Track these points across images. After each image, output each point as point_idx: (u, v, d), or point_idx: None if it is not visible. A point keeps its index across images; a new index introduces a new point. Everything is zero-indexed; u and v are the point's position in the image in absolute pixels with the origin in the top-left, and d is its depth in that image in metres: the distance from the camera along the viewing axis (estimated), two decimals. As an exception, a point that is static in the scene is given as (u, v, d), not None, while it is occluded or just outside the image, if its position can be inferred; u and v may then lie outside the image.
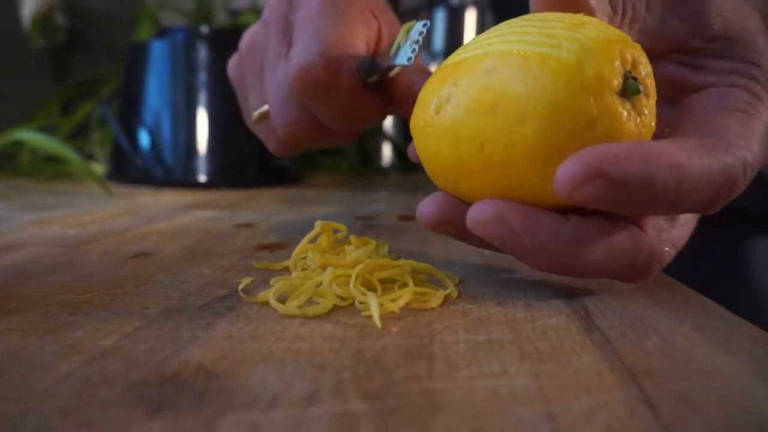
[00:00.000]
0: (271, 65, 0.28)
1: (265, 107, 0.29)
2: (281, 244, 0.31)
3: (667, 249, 0.20)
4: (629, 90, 0.17)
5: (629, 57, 0.18)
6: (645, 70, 0.18)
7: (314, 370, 0.15)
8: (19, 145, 0.65)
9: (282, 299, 0.20)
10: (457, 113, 0.19)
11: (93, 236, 0.32)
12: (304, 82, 0.25)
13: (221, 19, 0.87)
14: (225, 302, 0.21)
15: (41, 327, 0.18)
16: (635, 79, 0.18)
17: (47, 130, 0.68)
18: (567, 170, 0.16)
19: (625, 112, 0.17)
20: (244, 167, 0.59)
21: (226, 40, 0.61)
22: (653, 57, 0.20)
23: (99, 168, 0.66)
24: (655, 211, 0.18)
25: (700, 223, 0.56)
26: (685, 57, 0.21)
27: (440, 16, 0.82)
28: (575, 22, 0.18)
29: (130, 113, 0.60)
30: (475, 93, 0.18)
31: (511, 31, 0.18)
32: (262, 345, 0.17)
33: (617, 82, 0.17)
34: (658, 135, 0.19)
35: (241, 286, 0.22)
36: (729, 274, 0.52)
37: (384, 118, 0.28)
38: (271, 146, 0.31)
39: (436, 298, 0.20)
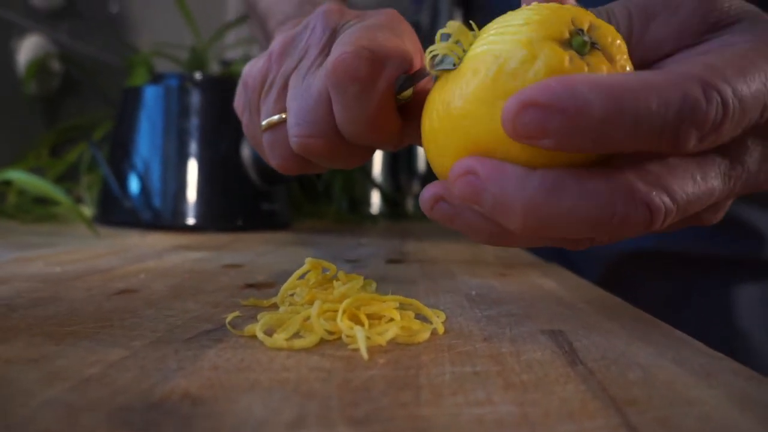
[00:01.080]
0: (302, 71, 0.26)
1: (277, 117, 0.27)
2: (268, 284, 0.31)
3: (655, 192, 0.17)
4: (575, 43, 0.18)
5: (586, 21, 0.19)
6: (605, 36, 0.19)
7: (300, 398, 0.15)
8: (6, 186, 0.65)
9: (269, 333, 0.20)
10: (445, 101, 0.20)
11: (78, 273, 0.32)
12: (343, 71, 0.23)
13: (214, 68, 0.89)
14: (212, 335, 0.21)
15: (24, 356, 0.17)
16: (586, 35, 0.18)
17: (36, 172, 0.68)
18: (506, 106, 0.16)
19: (567, 59, 0.18)
20: (233, 211, 0.60)
21: (218, 87, 0.62)
22: (657, 60, 0.20)
23: (87, 210, 0.66)
24: (614, 145, 0.16)
25: (685, 270, 0.56)
26: (688, 47, 0.20)
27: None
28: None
29: (120, 156, 0.61)
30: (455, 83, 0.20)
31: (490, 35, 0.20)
32: (248, 375, 0.17)
33: (564, 34, 0.18)
34: None
35: (228, 319, 0.22)
36: (714, 322, 0.52)
37: (401, 141, 0.27)
38: (276, 160, 0.29)
39: (422, 333, 0.21)
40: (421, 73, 0.25)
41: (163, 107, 0.60)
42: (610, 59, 0.19)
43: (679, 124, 0.16)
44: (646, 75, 0.16)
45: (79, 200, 0.69)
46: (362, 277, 0.25)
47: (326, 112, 0.25)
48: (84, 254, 0.39)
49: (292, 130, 0.26)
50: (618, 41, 0.19)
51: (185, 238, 0.52)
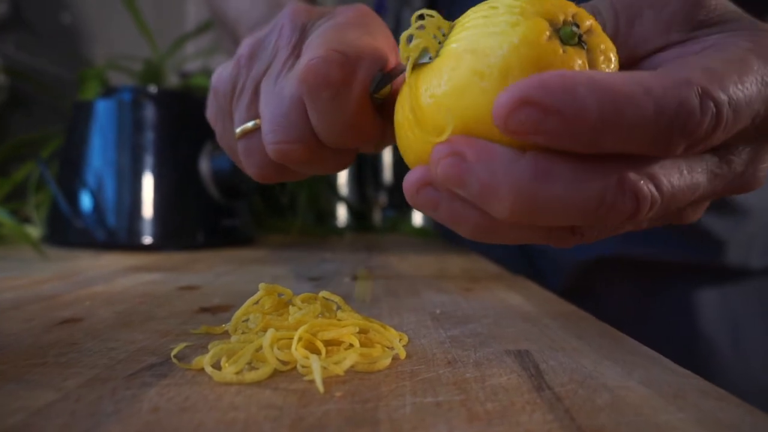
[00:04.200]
0: (273, 75, 0.25)
1: (251, 123, 0.26)
2: (224, 307, 0.30)
3: (643, 182, 0.17)
4: (564, 32, 0.18)
5: (586, 21, 0.18)
6: (597, 43, 0.18)
7: (247, 443, 0.14)
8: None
9: (217, 365, 0.19)
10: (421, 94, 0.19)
11: (18, 302, 0.30)
12: (314, 77, 0.22)
13: (172, 80, 0.87)
14: (156, 370, 0.19)
15: (-60, 405, 0.16)
16: (575, 26, 0.18)
17: (-18, 191, 0.65)
18: (498, 100, 0.15)
19: (546, 35, 0.17)
20: (192, 228, 0.58)
21: (174, 100, 0.60)
22: (645, 56, 0.20)
23: (35, 231, 0.63)
24: (604, 147, 0.16)
25: (648, 277, 0.57)
26: (678, 43, 0.20)
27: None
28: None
29: (71, 174, 0.58)
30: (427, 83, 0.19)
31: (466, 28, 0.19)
32: (192, 416, 0.15)
33: (557, 18, 0.18)
34: None
35: (174, 352, 0.20)
36: (677, 327, 0.53)
37: (382, 141, 0.26)
38: (253, 169, 0.27)
39: (383, 360, 0.20)
40: (397, 70, 0.23)
41: (116, 122, 0.58)
42: (592, 63, 0.18)
43: (671, 132, 0.15)
44: (645, 78, 0.16)
45: (27, 220, 0.66)
46: (321, 299, 0.24)
47: (301, 117, 0.24)
48: (27, 280, 0.37)
49: (268, 137, 0.25)
50: (611, 56, 0.18)
51: (141, 259, 0.49)
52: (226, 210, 0.60)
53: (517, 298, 0.33)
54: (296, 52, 0.25)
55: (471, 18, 0.19)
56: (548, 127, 0.15)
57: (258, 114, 0.26)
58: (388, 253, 0.56)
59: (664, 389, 0.17)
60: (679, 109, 0.15)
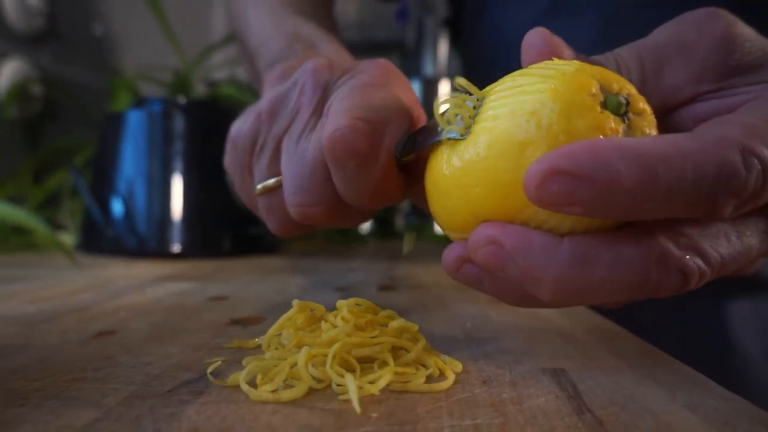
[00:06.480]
0: (295, 134, 0.25)
1: (272, 180, 0.26)
2: (254, 319, 0.30)
3: (689, 257, 0.16)
4: (611, 103, 0.17)
5: (608, 77, 0.18)
6: (643, 111, 0.18)
7: (287, 467, 0.14)
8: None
9: (252, 382, 0.19)
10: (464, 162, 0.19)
11: (53, 313, 0.30)
12: (340, 148, 0.21)
13: (200, 89, 0.88)
14: (192, 387, 0.19)
15: (-15, 421, 0.16)
16: (625, 99, 0.17)
17: (17, 199, 0.66)
18: (530, 172, 0.15)
19: (603, 120, 0.17)
20: (219, 236, 0.58)
21: (203, 111, 0.61)
22: (678, 106, 0.20)
23: (68, 238, 0.64)
24: (646, 213, 0.16)
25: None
26: (715, 92, 0.20)
27: (415, 87, 0.85)
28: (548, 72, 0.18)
29: (103, 182, 0.59)
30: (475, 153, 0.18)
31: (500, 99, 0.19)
32: (230, 437, 0.15)
33: (595, 99, 0.17)
34: None
35: (210, 369, 0.20)
36: (708, 339, 0.52)
37: (403, 199, 0.25)
38: (274, 225, 0.27)
39: (417, 379, 0.19)
40: (423, 132, 0.23)
41: (146, 132, 0.59)
42: (641, 127, 0.18)
43: (716, 193, 0.15)
44: (680, 140, 0.15)
45: (61, 227, 0.67)
46: (351, 320, 0.23)
47: (324, 179, 0.24)
48: (61, 290, 0.38)
49: (290, 199, 0.24)
50: (646, 107, 0.18)
51: (170, 267, 0.50)
52: (252, 219, 0.60)
53: (548, 311, 0.32)
54: (318, 111, 0.25)
55: (506, 86, 0.19)
56: (582, 196, 0.15)
57: (279, 171, 0.26)
58: (412, 263, 0.56)
59: (711, 414, 0.17)
60: (722, 169, 0.15)
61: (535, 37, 0.20)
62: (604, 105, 0.17)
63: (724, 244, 0.17)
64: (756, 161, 0.15)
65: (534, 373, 0.21)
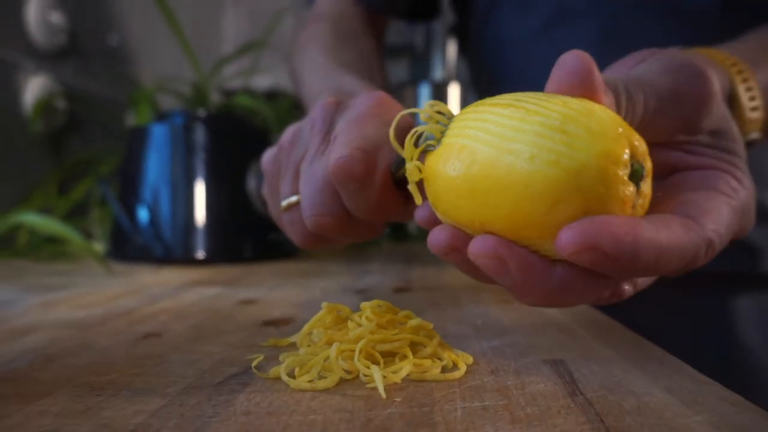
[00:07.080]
0: (309, 159, 0.30)
1: (294, 198, 0.31)
2: (285, 320, 0.33)
3: (626, 287, 0.24)
4: (636, 174, 0.19)
5: (635, 144, 0.20)
6: (649, 172, 0.20)
7: (329, 441, 0.16)
8: (16, 225, 0.67)
9: (291, 374, 0.22)
10: (472, 174, 0.20)
11: (102, 317, 0.34)
12: (342, 173, 0.26)
13: (214, 97, 0.91)
14: (239, 379, 0.22)
15: (72, 408, 0.19)
16: (641, 165, 0.20)
17: (44, 209, 0.70)
18: (569, 237, 0.18)
19: (627, 192, 0.19)
20: (240, 243, 0.62)
21: (221, 123, 0.65)
22: (654, 144, 0.23)
23: (99, 246, 0.68)
24: (627, 277, 0.22)
25: (682, 286, 0.58)
26: (683, 143, 0.25)
27: (424, 92, 0.88)
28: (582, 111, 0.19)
29: (129, 193, 0.63)
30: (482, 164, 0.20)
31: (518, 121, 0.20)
32: (279, 418, 0.18)
33: (625, 169, 0.19)
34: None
35: (254, 363, 0.23)
36: (712, 336, 0.54)
37: (410, 214, 0.29)
38: (296, 237, 0.32)
39: (433, 370, 0.22)
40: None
41: (169, 145, 0.62)
42: (645, 190, 0.20)
43: (679, 272, 0.21)
44: (679, 236, 0.20)
45: (89, 236, 0.71)
46: (373, 320, 0.26)
47: (333, 195, 0.28)
48: (102, 295, 0.41)
49: (306, 212, 0.29)
50: (646, 203, 0.20)
51: (197, 273, 0.53)
52: (271, 225, 0.64)
53: (552, 309, 0.35)
54: (326, 140, 0.30)
55: (542, 120, 0.19)
56: (604, 267, 0.19)
57: (299, 191, 0.31)
58: (426, 265, 0.59)
59: (685, 395, 0.20)
60: (694, 257, 0.21)
61: (576, 62, 0.21)
62: (631, 175, 0.19)
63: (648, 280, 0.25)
64: (712, 252, 0.22)
65: (536, 363, 0.24)
